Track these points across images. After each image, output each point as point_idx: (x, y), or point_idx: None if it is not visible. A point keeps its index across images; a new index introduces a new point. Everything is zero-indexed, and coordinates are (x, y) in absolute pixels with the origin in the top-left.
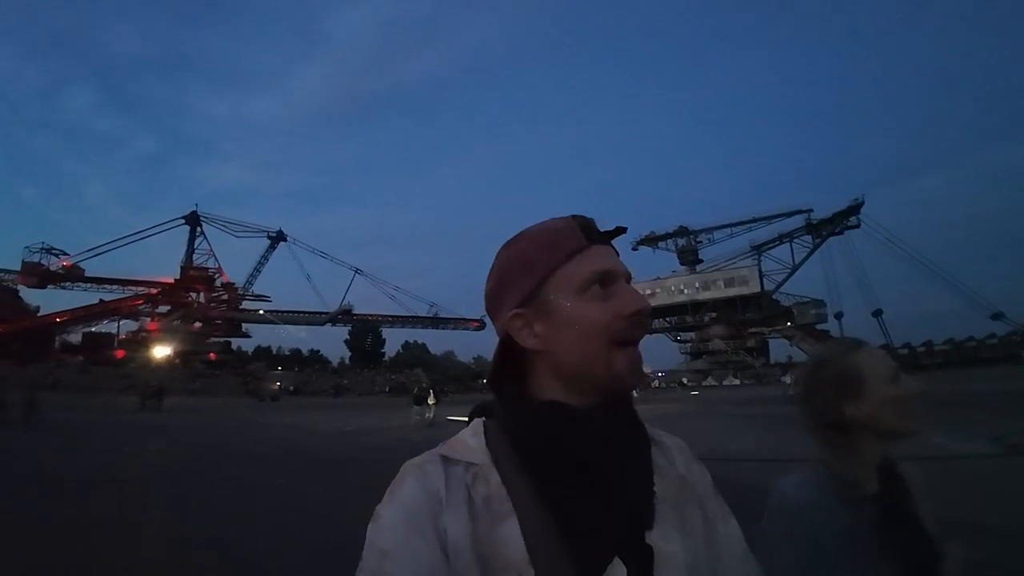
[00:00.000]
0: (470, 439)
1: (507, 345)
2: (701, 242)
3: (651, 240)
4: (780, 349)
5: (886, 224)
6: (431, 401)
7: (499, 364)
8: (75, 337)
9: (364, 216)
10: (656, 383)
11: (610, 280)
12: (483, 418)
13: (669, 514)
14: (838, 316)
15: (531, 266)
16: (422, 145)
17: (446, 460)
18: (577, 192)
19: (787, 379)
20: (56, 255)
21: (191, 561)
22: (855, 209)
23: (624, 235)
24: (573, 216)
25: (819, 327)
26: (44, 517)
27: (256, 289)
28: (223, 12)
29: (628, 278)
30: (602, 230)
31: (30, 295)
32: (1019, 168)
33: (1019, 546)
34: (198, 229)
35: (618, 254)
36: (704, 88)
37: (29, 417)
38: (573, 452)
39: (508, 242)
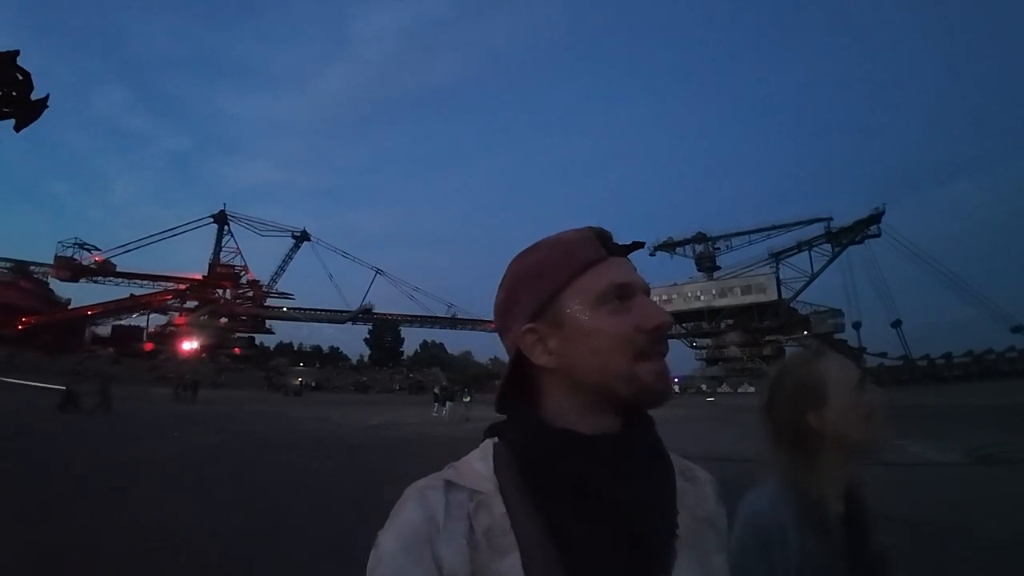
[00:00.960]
0: (477, 463)
1: (517, 363)
2: (719, 249)
3: (669, 246)
4: None
5: (914, 231)
6: (466, 399)
7: (509, 383)
8: (104, 330)
9: (386, 216)
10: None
11: (629, 293)
12: (495, 439)
13: (690, 560)
14: (856, 326)
15: (545, 277)
16: (443, 147)
17: (449, 485)
18: (596, 197)
19: None
20: (88, 250)
21: (255, 520)
22: (876, 218)
23: (641, 249)
24: (590, 227)
25: (837, 337)
26: (148, 492)
27: (280, 287)
28: (252, 13)
29: (647, 291)
30: (620, 243)
31: (61, 288)
32: None
33: (942, 539)
34: (226, 227)
35: (635, 269)
36: (725, 94)
37: (104, 406)
38: (585, 484)
39: (521, 253)
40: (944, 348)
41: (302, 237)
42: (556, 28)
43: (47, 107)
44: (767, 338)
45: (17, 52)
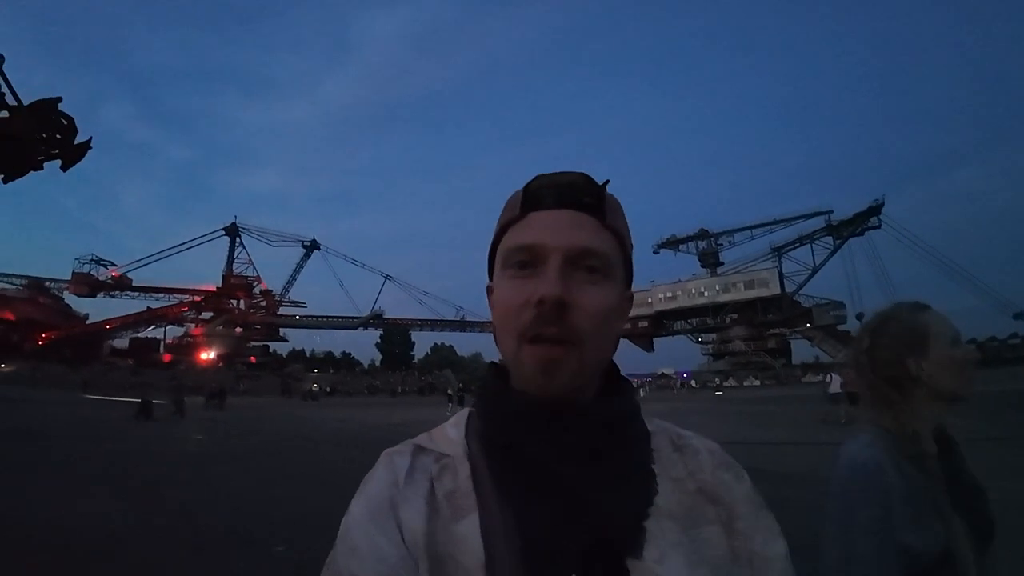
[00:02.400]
0: (450, 429)
1: None
2: (722, 245)
3: (672, 243)
4: (804, 351)
5: (918, 220)
6: None
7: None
8: (121, 342)
9: (393, 220)
10: (679, 384)
11: (535, 258)
12: (471, 408)
13: (675, 534)
14: (859, 317)
15: (494, 235)
16: (448, 150)
17: (418, 449)
18: None
19: (828, 379)
20: (104, 265)
21: (318, 496)
22: (875, 210)
23: (604, 189)
24: (539, 176)
25: (840, 328)
26: (244, 475)
27: (292, 295)
28: (255, 23)
29: (583, 255)
30: (562, 191)
31: (77, 303)
32: None
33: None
34: (237, 239)
35: (604, 220)
36: (724, 90)
37: (179, 413)
38: (539, 453)
39: None
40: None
41: (312, 246)
42: (556, 28)
43: (90, 148)
44: (771, 331)
45: (59, 99)
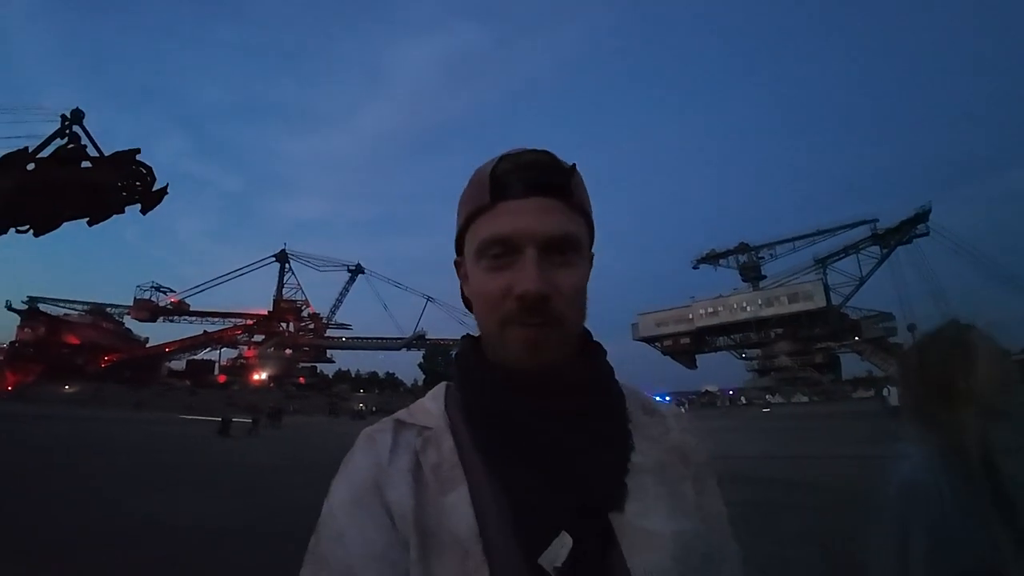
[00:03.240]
0: (429, 402)
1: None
2: (763, 258)
3: (712, 258)
4: (854, 365)
5: (970, 224)
6: None
7: (466, 302)
8: (178, 364)
9: (432, 241)
10: (728, 402)
11: (512, 248)
12: (447, 382)
13: (655, 489)
14: (911, 328)
15: (457, 217)
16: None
17: (399, 424)
18: (636, 210)
19: (887, 392)
20: (164, 292)
21: None
22: (922, 217)
23: (568, 176)
24: (502, 157)
25: (891, 340)
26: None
27: (338, 318)
28: (296, 60)
29: (557, 242)
30: (529, 178)
31: (136, 327)
32: None
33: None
34: (286, 265)
35: (571, 200)
36: (762, 101)
37: (276, 424)
38: (513, 422)
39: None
40: (1010, 346)
41: (356, 270)
42: (588, 48)
43: (167, 194)
44: (818, 346)
45: (138, 150)
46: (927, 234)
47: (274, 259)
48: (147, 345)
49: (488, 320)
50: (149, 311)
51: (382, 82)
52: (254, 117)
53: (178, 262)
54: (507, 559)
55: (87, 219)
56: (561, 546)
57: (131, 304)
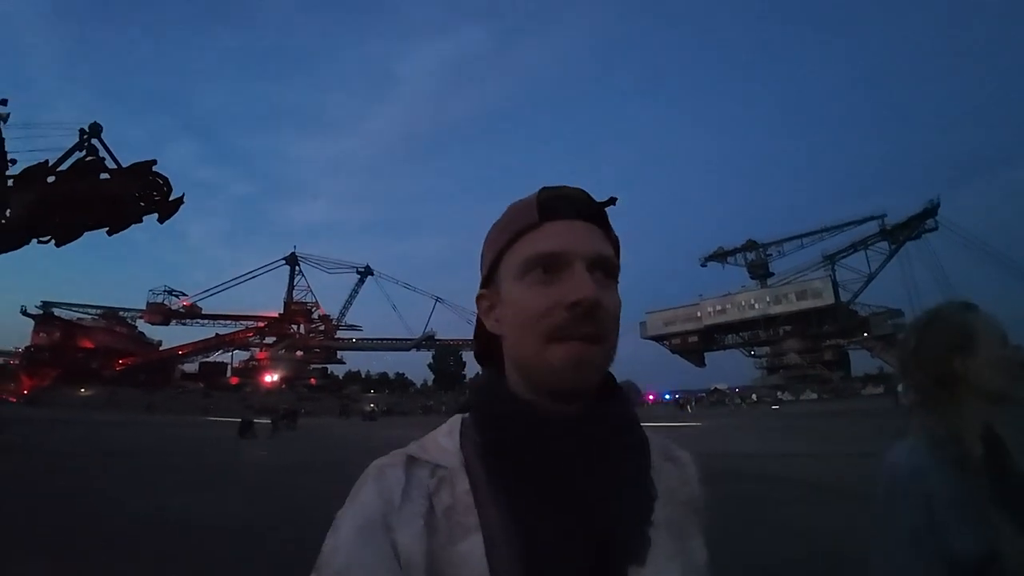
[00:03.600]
0: (443, 438)
1: (481, 323)
2: (771, 255)
3: (720, 256)
4: (865, 362)
5: (981, 218)
6: None
7: (479, 342)
8: (191, 367)
9: (441, 242)
10: (737, 400)
11: (558, 264)
12: (463, 415)
13: (670, 545)
14: None
15: (489, 248)
16: (492, 171)
17: (411, 461)
18: (644, 209)
19: (900, 388)
20: (176, 296)
21: None
22: (931, 212)
23: (613, 207)
24: (544, 188)
25: (901, 337)
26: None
27: (348, 319)
28: (306, 65)
29: (600, 263)
30: (573, 203)
31: (151, 330)
32: None
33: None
34: (297, 268)
35: (609, 231)
36: (767, 97)
37: (292, 426)
38: (540, 464)
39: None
40: (1017, 341)
41: (366, 272)
42: (593, 46)
43: (183, 203)
44: (827, 343)
45: (154, 161)
46: (936, 229)
47: (284, 262)
48: (160, 348)
49: (528, 339)
50: (162, 315)
51: (389, 85)
52: (264, 122)
53: (190, 266)
54: None
55: (107, 229)
56: None
57: (144, 308)
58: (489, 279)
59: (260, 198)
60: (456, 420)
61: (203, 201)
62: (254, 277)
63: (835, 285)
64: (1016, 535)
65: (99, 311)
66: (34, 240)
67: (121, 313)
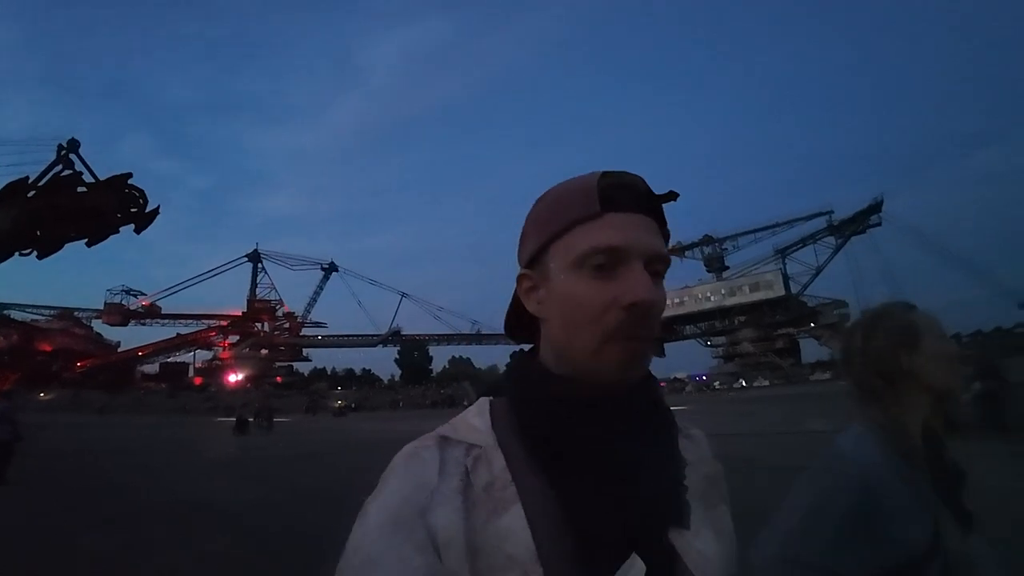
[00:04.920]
0: (474, 419)
1: (518, 299)
2: (726, 249)
3: (678, 250)
4: (816, 349)
5: (934, 208)
6: None
7: (512, 316)
8: (152, 367)
9: (407, 236)
10: (696, 388)
11: (619, 259)
12: (490, 398)
13: (700, 511)
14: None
15: (538, 229)
16: (458, 164)
17: (444, 441)
18: None
19: None
20: (135, 295)
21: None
22: (876, 208)
23: (673, 201)
24: (604, 173)
25: (847, 325)
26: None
27: (313, 316)
28: (263, 53)
29: (655, 259)
30: (638, 195)
31: (107, 331)
32: None
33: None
34: (260, 265)
35: (663, 227)
36: (722, 91)
37: (269, 426)
38: (585, 440)
39: (542, 195)
40: (952, 329)
41: (330, 268)
42: (553, 39)
43: (159, 214)
44: (778, 332)
45: (130, 174)
46: (880, 224)
47: (247, 259)
48: (119, 349)
49: (583, 335)
50: (120, 315)
51: (351, 75)
52: (222, 112)
53: (148, 264)
54: None
55: (86, 240)
56: (631, 569)
57: (100, 308)
58: (535, 261)
59: (220, 192)
60: (484, 402)
61: (160, 194)
62: (216, 275)
63: (786, 278)
64: (955, 528)
65: (53, 312)
66: (16, 254)
67: (77, 314)
